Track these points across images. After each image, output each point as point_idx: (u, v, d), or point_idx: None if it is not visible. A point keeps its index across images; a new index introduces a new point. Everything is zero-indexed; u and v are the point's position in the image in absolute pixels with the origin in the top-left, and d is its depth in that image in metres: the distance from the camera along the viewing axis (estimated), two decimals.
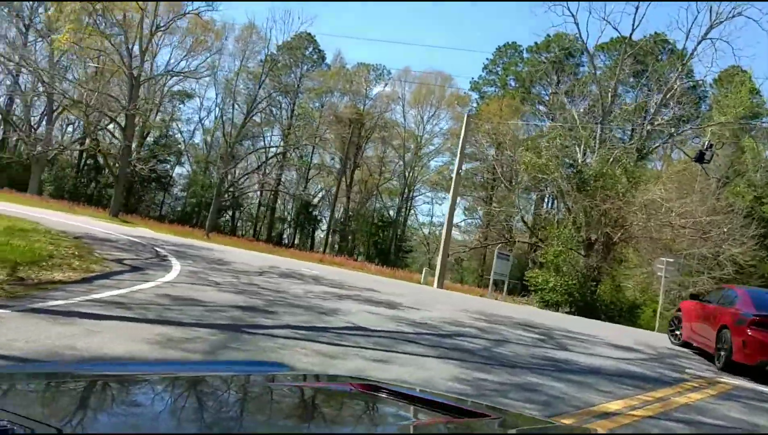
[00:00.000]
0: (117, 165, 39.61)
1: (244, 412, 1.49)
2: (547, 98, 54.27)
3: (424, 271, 28.97)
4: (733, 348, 9.93)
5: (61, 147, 41.56)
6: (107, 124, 42.41)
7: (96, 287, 7.97)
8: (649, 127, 31.15)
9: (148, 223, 37.98)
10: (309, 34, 57.59)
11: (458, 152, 28.82)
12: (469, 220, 57.28)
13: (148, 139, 55.88)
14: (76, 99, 37.37)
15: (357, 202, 57.45)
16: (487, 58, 59.93)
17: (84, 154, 53.99)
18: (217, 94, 49.60)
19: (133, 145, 55.53)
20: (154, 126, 54.97)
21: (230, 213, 56.26)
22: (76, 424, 1.16)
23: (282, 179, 56.37)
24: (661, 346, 12.45)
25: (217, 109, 55.85)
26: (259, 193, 56.50)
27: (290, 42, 56.83)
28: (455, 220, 35.09)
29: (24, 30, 51.13)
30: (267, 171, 56.97)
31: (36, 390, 1.41)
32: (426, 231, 59.34)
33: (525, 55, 58.63)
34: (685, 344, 12.78)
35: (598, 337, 11.98)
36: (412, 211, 59.62)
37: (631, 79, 42.07)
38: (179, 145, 56.75)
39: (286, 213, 59.48)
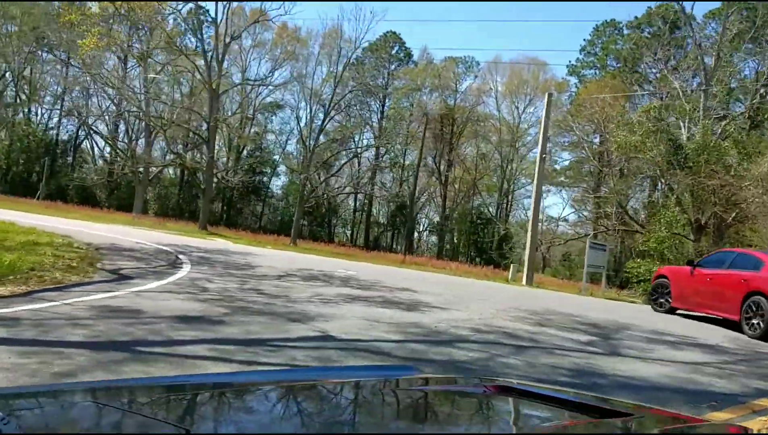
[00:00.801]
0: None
1: (377, 418, 1.48)
2: (654, 77, 50.04)
3: (511, 268, 26.69)
4: None
5: (148, 164, 42.16)
6: (193, 139, 42.76)
7: (27, 300, 6.80)
8: (763, 91, 27.22)
9: (238, 234, 37.86)
10: (394, 33, 56.46)
11: (540, 134, 26.43)
12: (581, 213, 53.86)
13: (243, 152, 56.58)
14: (161, 117, 37.81)
15: (454, 200, 55.42)
16: (584, 39, 56.29)
17: (185, 172, 55.46)
18: (305, 102, 48.99)
19: (229, 159, 56.54)
20: (247, 139, 55.51)
21: (325, 219, 55.92)
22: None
23: (376, 182, 55.32)
24: None
25: (305, 116, 55.86)
26: (353, 197, 55.89)
27: (375, 43, 55.86)
28: (564, 213, 32.32)
29: (123, 57, 53.10)
30: (360, 175, 56.23)
31: (166, 401, 1.41)
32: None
33: (625, 32, 54.51)
34: (671, 310, 13.32)
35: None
36: (514, 207, 56.86)
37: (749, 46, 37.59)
38: (274, 157, 57.16)
39: (381, 217, 58.46)
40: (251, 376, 2.46)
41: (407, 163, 56.02)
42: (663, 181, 26.43)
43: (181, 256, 12.83)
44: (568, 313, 11.13)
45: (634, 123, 25.50)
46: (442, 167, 54.89)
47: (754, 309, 10.65)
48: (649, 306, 14.33)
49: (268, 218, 57.25)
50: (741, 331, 10.83)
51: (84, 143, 60.11)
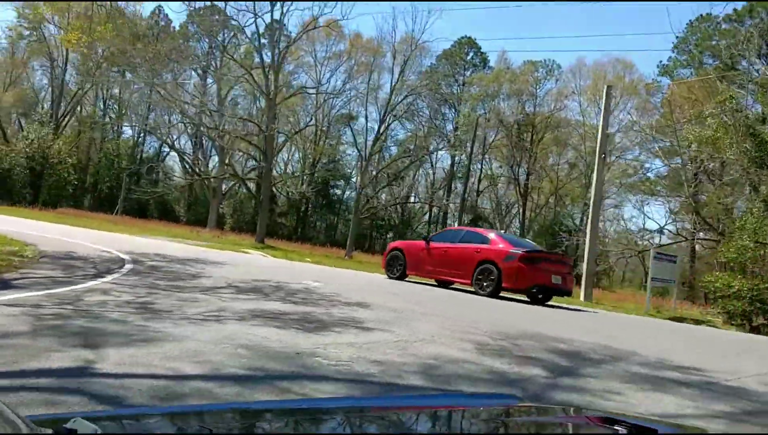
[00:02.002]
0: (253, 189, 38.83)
1: None
2: (758, 75, 45.17)
3: None
4: (503, 278, 13.85)
5: (196, 176, 41.86)
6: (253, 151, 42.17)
7: None
8: None
9: (295, 247, 36.74)
10: (469, 38, 54.26)
11: (599, 131, 23.59)
12: (679, 223, 49.40)
13: (318, 165, 55.89)
14: (217, 127, 37.39)
15: (534, 211, 52.26)
16: (676, 37, 51.78)
17: (261, 186, 55.38)
18: (378, 112, 47.58)
19: (304, 172, 55.97)
20: (321, 150, 54.78)
21: (397, 233, 54.15)
22: None
23: (451, 193, 53.03)
24: None
25: (378, 126, 54.49)
26: (428, 210, 53.92)
27: (450, 49, 53.86)
28: (662, 224, 29.04)
29: (202, 73, 53.77)
30: (433, 185, 54.17)
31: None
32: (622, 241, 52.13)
33: (723, 26, 49.67)
34: (401, 276, 16.26)
35: None
36: (601, 218, 52.76)
37: None
38: (347, 169, 56.18)
39: None
40: (337, 402, 2.39)
41: (483, 172, 53.47)
42: (748, 182, 22.85)
43: (129, 265, 11.34)
44: (560, 337, 8.71)
45: (708, 116, 22.14)
46: (520, 177, 51.93)
47: (485, 274, 14.21)
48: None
49: (341, 232, 56.11)
50: (474, 293, 14.38)
51: (166, 159, 61.38)
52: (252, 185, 54.92)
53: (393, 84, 36.70)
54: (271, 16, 35.20)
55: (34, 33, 53.97)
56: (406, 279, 16.48)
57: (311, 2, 57.26)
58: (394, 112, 47.02)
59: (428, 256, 15.74)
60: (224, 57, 46.22)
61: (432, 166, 53.81)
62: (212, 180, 49.20)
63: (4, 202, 35.51)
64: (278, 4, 34.52)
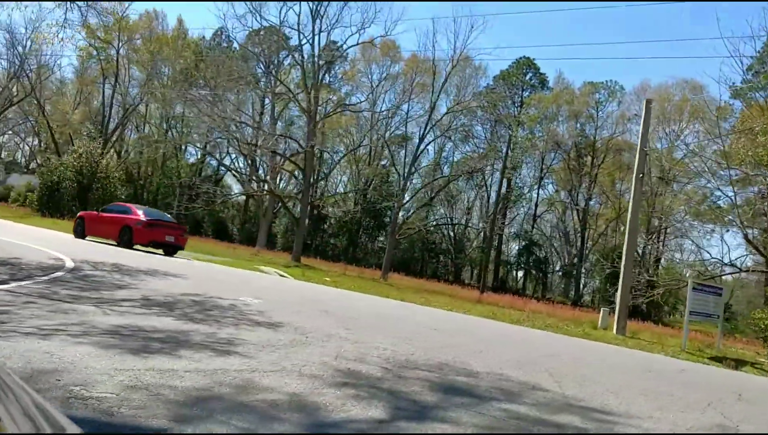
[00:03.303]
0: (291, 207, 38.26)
1: None
2: None
3: (601, 313, 21.85)
4: (134, 236, 20.89)
5: (225, 195, 41.62)
6: (283, 163, 41.77)
7: None
8: None
9: (344, 269, 35.72)
10: (528, 58, 52.49)
11: (638, 149, 21.73)
12: (753, 256, 45.79)
13: (371, 186, 55.14)
14: (256, 144, 37.16)
15: (593, 239, 49.62)
16: (750, 57, 48.43)
17: (309, 207, 55.04)
18: (432, 134, 46.48)
19: (353, 191, 55.31)
20: (375, 171, 54.08)
21: (449, 257, 52.52)
22: None
23: (506, 217, 51.08)
24: None
25: (432, 147, 53.31)
26: (481, 234, 52.03)
27: (507, 70, 52.31)
28: (733, 256, 26.78)
29: (262, 95, 54.15)
30: (487, 209, 52.40)
31: None
32: (687, 272, 48.78)
33: None
34: (83, 236, 22.46)
35: None
36: (665, 248, 49.54)
37: None
38: (397, 190, 55.10)
39: (509, 255, 53.83)
40: None
41: (540, 197, 51.37)
42: None
43: (60, 273, 10.60)
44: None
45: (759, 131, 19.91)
46: (579, 202, 49.51)
47: (124, 233, 20.96)
48: None
49: (394, 255, 54.92)
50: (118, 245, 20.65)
51: (224, 178, 62.02)
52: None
53: (433, 102, 35.43)
54: (313, 33, 34.84)
55: (103, 52, 55.91)
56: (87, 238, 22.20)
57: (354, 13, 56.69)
58: (447, 133, 45.87)
59: (99, 222, 22.27)
60: (272, 76, 46.32)
61: (487, 189, 52.08)
62: (265, 200, 49.24)
63: (54, 214, 36.26)
64: (318, 22, 34.16)
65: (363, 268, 43.76)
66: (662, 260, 48.57)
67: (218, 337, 7.01)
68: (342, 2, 35.49)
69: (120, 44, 57.29)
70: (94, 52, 55.98)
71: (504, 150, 50.61)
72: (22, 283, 9.08)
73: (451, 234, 54.56)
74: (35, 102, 50.66)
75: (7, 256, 12.06)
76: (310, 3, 35.09)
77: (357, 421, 4.56)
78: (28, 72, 50.56)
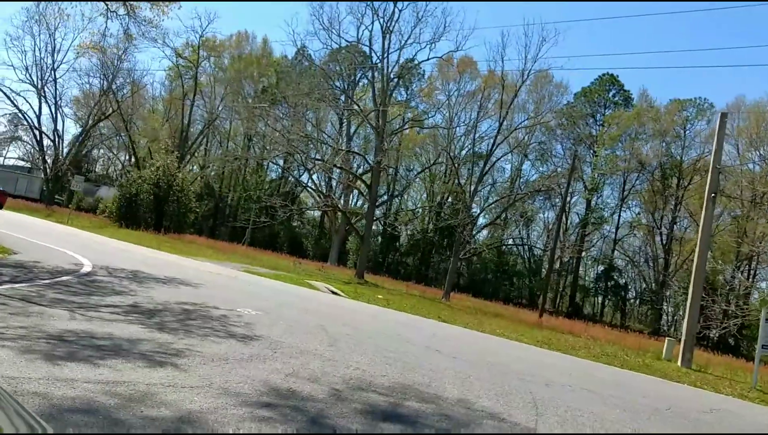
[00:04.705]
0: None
1: None
2: None
3: (666, 343, 20.25)
4: None
5: (298, 210, 41.70)
6: (354, 180, 41.66)
7: None
8: None
9: (411, 288, 35.12)
10: (611, 75, 50.53)
11: (710, 166, 20.16)
12: None
13: (445, 204, 54.41)
14: (326, 160, 37.27)
15: (676, 265, 46.81)
16: None
17: (384, 225, 54.82)
18: (502, 151, 45.39)
19: (430, 210, 54.66)
20: (450, 188, 53.44)
21: (523, 280, 50.83)
22: None
23: (585, 240, 49.06)
24: None
25: (510, 166, 52.09)
26: (558, 255, 50.14)
27: (589, 87, 50.57)
28: None
29: (340, 113, 54.72)
30: (565, 231, 50.49)
31: None
32: None
33: None
34: None
35: None
36: (756, 278, 46.11)
37: None
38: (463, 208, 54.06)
39: (588, 280, 51.55)
40: None
41: (621, 220, 49.05)
42: None
43: (70, 277, 10.63)
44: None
45: None
46: (663, 226, 46.96)
47: None
48: None
49: (465, 276, 53.82)
50: None
51: (301, 195, 62.81)
52: (377, 225, 54.42)
53: (502, 117, 34.49)
54: (383, 50, 34.76)
55: (190, 71, 58.03)
56: None
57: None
58: (519, 149, 44.77)
59: None
60: (345, 94, 46.52)
61: (565, 211, 50.27)
62: (338, 217, 49.44)
63: (131, 225, 37.55)
64: (388, 38, 34.06)
65: (433, 288, 43.01)
66: (755, 291, 45.21)
67: (171, 348, 6.65)
68: (414, 16, 35.32)
69: (206, 63, 59.40)
70: (182, 71, 58.11)
71: (584, 170, 48.77)
72: (16, 285, 9.08)
73: (526, 256, 52.92)
74: (121, 118, 53.02)
75: (29, 259, 12.27)
76: (382, 20, 35.09)
77: None
78: (117, 89, 53.07)
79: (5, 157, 75.04)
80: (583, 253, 49.08)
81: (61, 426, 3.85)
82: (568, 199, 50.42)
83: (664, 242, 46.53)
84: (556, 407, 6.98)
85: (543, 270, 51.68)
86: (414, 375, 7.40)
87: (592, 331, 25.13)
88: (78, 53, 50.90)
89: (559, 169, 47.94)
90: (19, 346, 5.61)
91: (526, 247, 52.21)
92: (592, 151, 48.58)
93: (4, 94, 52.70)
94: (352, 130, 51.83)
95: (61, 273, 11.11)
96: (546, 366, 11.00)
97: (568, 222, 51.82)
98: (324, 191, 54.10)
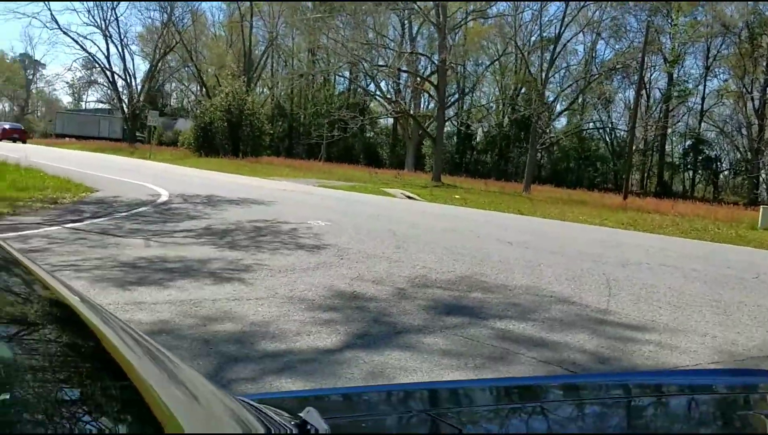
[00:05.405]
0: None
1: None
2: None
3: (761, 211, 19.27)
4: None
5: (366, 120, 41.21)
6: (421, 83, 40.77)
7: None
8: None
9: (487, 185, 34.63)
10: None
11: None
12: None
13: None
14: (390, 65, 36.55)
15: None
16: None
17: (457, 125, 53.91)
18: (571, 31, 43.05)
19: (489, 104, 53.27)
20: (521, 79, 51.73)
21: (607, 165, 49.17)
22: None
23: (668, 116, 46.68)
24: None
25: (582, 48, 49.63)
26: (641, 136, 48.09)
27: None
28: None
29: (401, 15, 53.19)
30: (649, 108, 48.20)
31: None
32: None
33: None
34: None
35: None
36: None
37: None
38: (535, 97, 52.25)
39: (675, 156, 49.35)
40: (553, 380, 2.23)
41: (707, 90, 46.23)
42: None
43: (147, 208, 11.04)
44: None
45: None
46: (754, 90, 44.01)
47: None
48: None
49: (545, 167, 52.57)
50: None
51: (370, 104, 62.33)
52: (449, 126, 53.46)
53: None
54: None
55: None
56: None
57: None
58: (590, 27, 42.61)
59: None
60: None
61: (646, 87, 47.76)
62: (411, 123, 48.89)
63: (210, 154, 38.54)
64: None
65: (513, 183, 42.37)
66: None
67: (240, 264, 6.82)
68: None
69: None
70: None
71: (663, 42, 45.85)
72: (96, 220, 9.50)
73: (608, 139, 51.08)
74: (185, 49, 53.47)
75: (109, 195, 12.78)
76: None
77: (293, 352, 4.12)
78: (178, 19, 53.33)
79: (86, 102, 77.86)
80: (669, 129, 46.85)
81: None
82: (649, 74, 47.84)
83: (757, 107, 43.72)
84: (631, 286, 6.80)
85: (625, 152, 49.93)
86: (482, 268, 7.35)
87: (681, 208, 24.24)
88: None
89: (635, 43, 45.21)
90: (93, 276, 5.88)
91: (607, 129, 50.31)
92: (669, 21, 45.38)
93: (72, 39, 53.98)
94: (414, 30, 50.42)
95: (138, 205, 11.54)
96: (625, 246, 10.71)
97: (650, 99, 49.40)
98: (393, 98, 53.48)
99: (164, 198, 12.74)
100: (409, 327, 4.77)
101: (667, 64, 45.52)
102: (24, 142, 45.54)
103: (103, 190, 13.51)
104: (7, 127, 49.33)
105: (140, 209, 10.88)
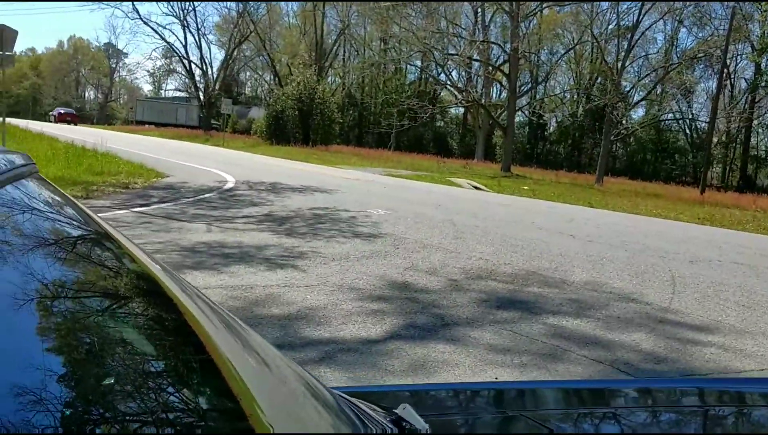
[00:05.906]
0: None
1: None
2: None
3: None
4: (57, 119, 55.27)
5: (436, 109, 40.79)
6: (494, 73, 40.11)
7: None
8: None
9: (558, 177, 33.95)
10: None
11: None
12: None
13: (595, 85, 51.41)
14: (461, 54, 36.13)
15: None
16: None
17: (529, 115, 52.96)
18: (651, 19, 41.47)
19: (564, 93, 51.92)
20: (597, 68, 50.30)
21: (687, 157, 47.18)
22: None
23: (755, 107, 44.43)
24: None
25: (662, 37, 47.80)
26: (724, 128, 45.95)
27: None
28: None
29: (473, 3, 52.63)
30: (733, 100, 46.02)
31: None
32: None
33: None
34: None
35: None
36: None
37: None
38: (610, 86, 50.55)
39: (760, 149, 46.89)
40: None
41: None
42: None
43: (212, 194, 11.28)
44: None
45: None
46: None
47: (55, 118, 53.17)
48: None
49: (620, 158, 51.02)
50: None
51: (441, 93, 61.93)
52: (520, 116, 52.56)
53: None
54: None
55: None
56: None
57: None
58: (671, 15, 41.03)
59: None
60: None
61: (731, 78, 45.63)
62: (482, 112, 48.30)
63: (281, 142, 39.16)
64: None
65: (585, 174, 41.30)
66: None
67: (295, 251, 6.86)
68: None
69: None
70: None
71: (751, 30, 43.64)
72: (163, 204, 9.75)
73: (688, 130, 49.10)
74: (259, 38, 54.34)
75: (179, 180, 13.12)
76: None
77: (336, 341, 4.09)
78: (253, 9, 54.28)
79: (165, 90, 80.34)
80: (755, 121, 44.63)
81: None
82: (735, 63, 45.70)
83: None
84: (698, 284, 6.47)
85: (705, 145, 47.88)
86: (540, 261, 7.14)
87: (763, 203, 23.05)
88: None
89: (719, 31, 43.23)
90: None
91: (687, 120, 48.36)
92: (759, 7, 43.08)
93: (152, 29, 55.68)
94: (487, 19, 49.68)
95: (205, 190, 11.79)
96: (697, 242, 10.23)
97: (735, 89, 47.18)
98: (464, 87, 52.93)
99: (230, 184, 12.98)
100: (457, 320, 4.67)
101: (755, 53, 43.26)
102: (75, 124, 53.01)
103: (173, 176, 13.88)
104: (62, 111, 58.38)
105: (206, 195, 11.11)
